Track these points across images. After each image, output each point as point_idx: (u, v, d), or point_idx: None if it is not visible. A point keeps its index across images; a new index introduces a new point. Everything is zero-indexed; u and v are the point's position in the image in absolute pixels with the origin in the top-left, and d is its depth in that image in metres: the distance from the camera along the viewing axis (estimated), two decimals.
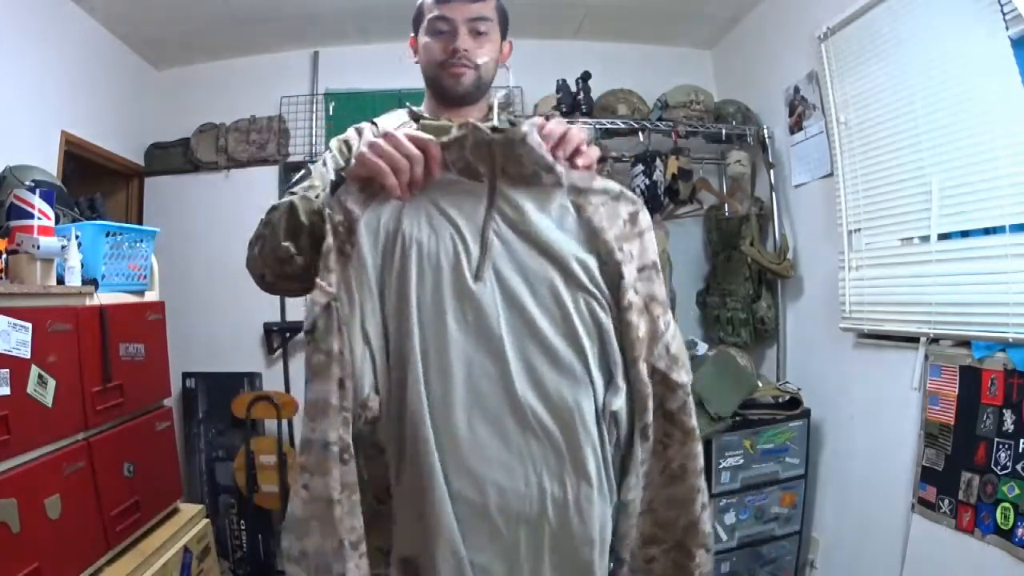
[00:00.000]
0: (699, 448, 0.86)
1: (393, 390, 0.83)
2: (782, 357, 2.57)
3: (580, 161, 0.85)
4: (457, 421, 0.79)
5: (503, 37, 1.14)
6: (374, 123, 1.14)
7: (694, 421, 0.85)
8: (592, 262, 0.83)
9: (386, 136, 0.82)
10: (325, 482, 0.75)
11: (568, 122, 2.77)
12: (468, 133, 0.81)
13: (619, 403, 0.81)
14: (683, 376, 0.86)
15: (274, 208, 0.98)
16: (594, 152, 0.88)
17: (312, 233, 0.89)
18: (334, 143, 1.12)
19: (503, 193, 0.83)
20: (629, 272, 0.83)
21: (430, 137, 0.81)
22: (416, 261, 0.81)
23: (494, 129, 0.83)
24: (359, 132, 1.13)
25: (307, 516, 0.78)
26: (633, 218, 0.87)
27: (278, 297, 2.68)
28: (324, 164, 1.10)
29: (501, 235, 0.83)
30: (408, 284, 0.81)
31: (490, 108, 1.16)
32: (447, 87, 1.09)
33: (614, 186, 0.88)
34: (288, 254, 0.91)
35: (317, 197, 0.94)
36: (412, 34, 1.16)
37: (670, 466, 0.86)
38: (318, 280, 0.80)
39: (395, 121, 1.14)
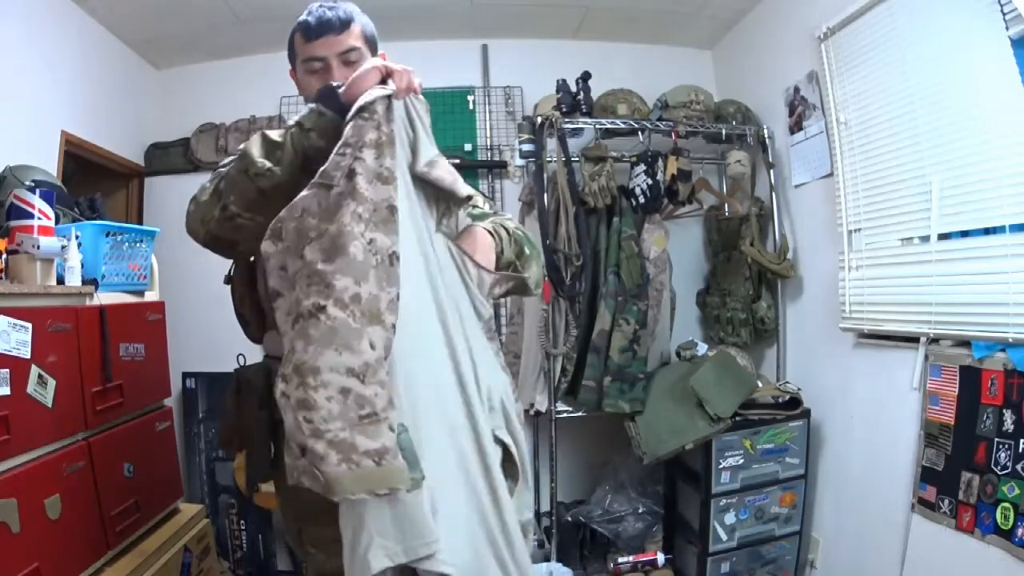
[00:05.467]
0: None
1: None
2: (782, 357, 2.57)
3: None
4: None
5: (374, 53, 1.21)
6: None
7: None
8: None
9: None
10: (391, 240, 0.84)
11: (567, 122, 2.77)
12: None
13: None
14: None
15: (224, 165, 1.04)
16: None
17: (293, 144, 0.95)
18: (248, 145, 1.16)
19: None
20: None
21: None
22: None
23: None
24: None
25: (368, 264, 0.83)
26: None
27: None
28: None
29: None
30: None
31: None
32: None
33: None
34: (264, 170, 0.94)
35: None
36: (290, 67, 1.25)
37: None
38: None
39: None
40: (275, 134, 0.97)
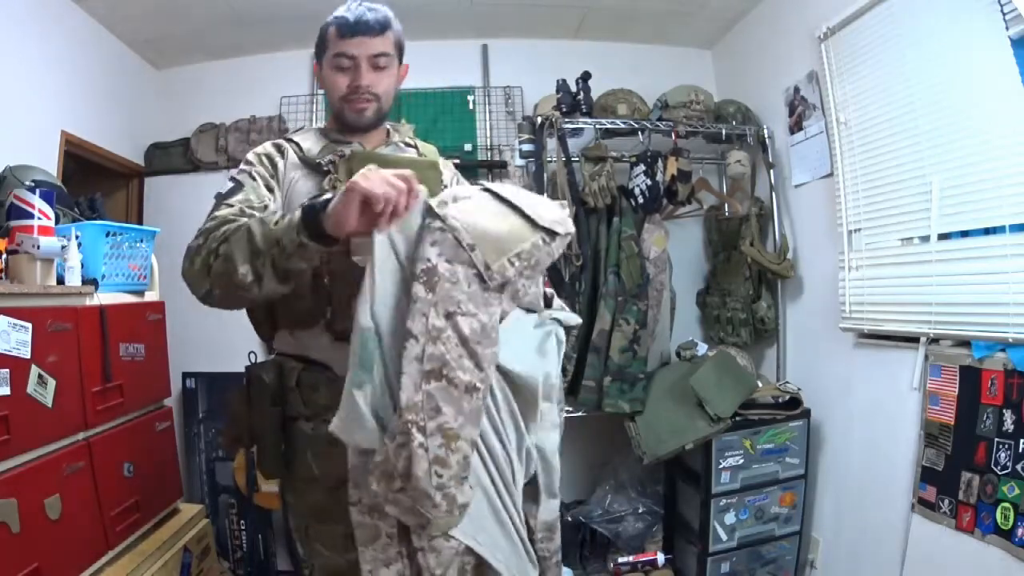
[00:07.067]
0: None
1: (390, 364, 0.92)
2: (782, 357, 2.57)
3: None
4: None
5: (400, 62, 1.23)
6: (292, 140, 1.21)
7: None
8: None
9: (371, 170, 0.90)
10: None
11: (567, 122, 2.77)
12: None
13: None
14: None
15: (219, 222, 1.02)
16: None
17: (273, 263, 0.94)
18: (253, 156, 1.18)
19: None
20: None
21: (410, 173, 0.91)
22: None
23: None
24: (279, 148, 1.19)
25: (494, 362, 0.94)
26: None
27: None
28: (253, 177, 1.14)
29: None
30: None
31: (387, 133, 1.29)
32: (350, 120, 1.20)
33: None
34: (245, 283, 0.96)
35: (276, 223, 0.95)
36: (315, 60, 1.23)
37: None
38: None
39: (311, 139, 1.22)
40: (258, 236, 0.95)
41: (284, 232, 0.93)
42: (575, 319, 1.14)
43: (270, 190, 1.14)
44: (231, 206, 1.08)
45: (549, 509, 1.11)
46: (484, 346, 0.90)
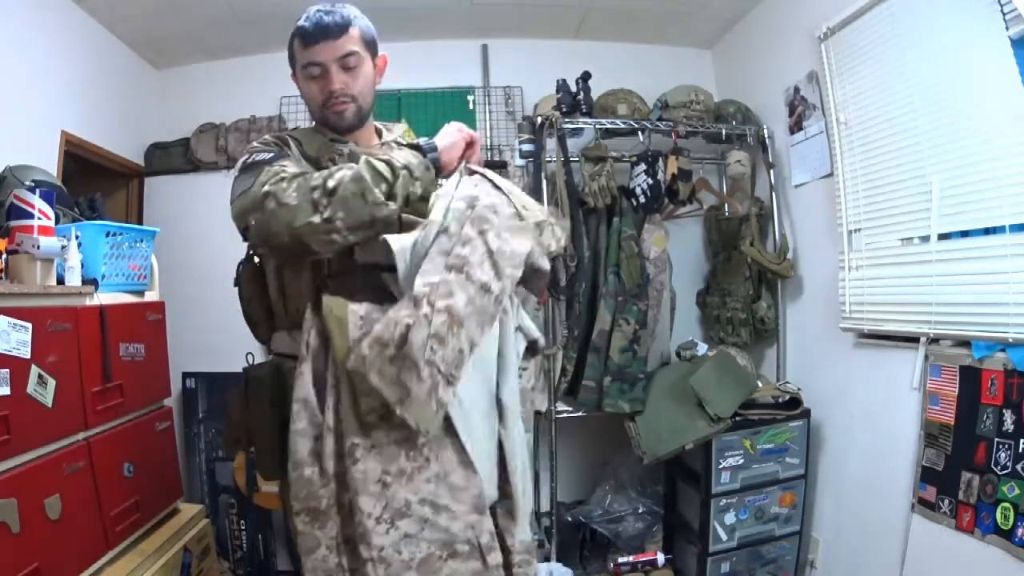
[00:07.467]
0: None
1: None
2: (782, 357, 2.57)
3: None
4: None
5: (374, 55, 1.22)
6: (295, 138, 1.22)
7: None
8: None
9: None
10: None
11: (567, 122, 2.80)
12: None
13: None
14: None
15: (295, 173, 1.04)
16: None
17: (400, 189, 1.02)
18: (261, 145, 1.17)
19: None
20: None
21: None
22: None
23: None
24: (283, 140, 1.20)
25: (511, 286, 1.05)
26: None
27: None
28: (285, 154, 1.14)
29: None
30: None
31: (378, 132, 1.30)
32: (333, 124, 1.21)
33: None
34: (379, 200, 0.99)
35: (385, 159, 1.05)
36: (291, 71, 1.25)
37: None
38: None
39: (309, 136, 1.24)
40: (380, 165, 1.01)
41: (406, 159, 1.04)
42: (536, 334, 1.21)
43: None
44: (285, 167, 1.06)
45: (524, 529, 1.14)
46: (506, 263, 0.98)
